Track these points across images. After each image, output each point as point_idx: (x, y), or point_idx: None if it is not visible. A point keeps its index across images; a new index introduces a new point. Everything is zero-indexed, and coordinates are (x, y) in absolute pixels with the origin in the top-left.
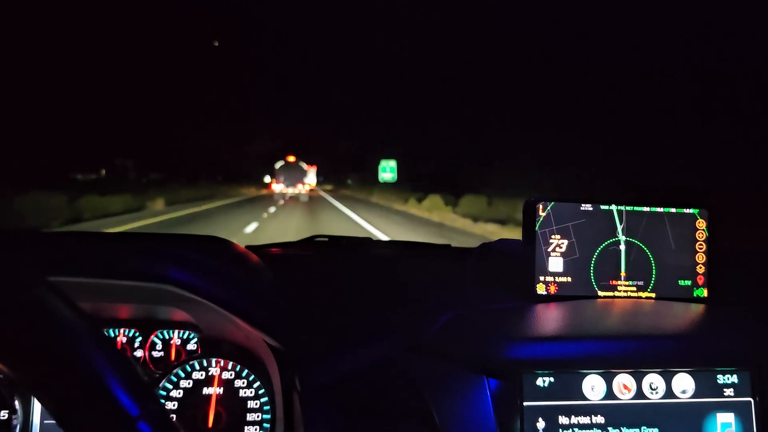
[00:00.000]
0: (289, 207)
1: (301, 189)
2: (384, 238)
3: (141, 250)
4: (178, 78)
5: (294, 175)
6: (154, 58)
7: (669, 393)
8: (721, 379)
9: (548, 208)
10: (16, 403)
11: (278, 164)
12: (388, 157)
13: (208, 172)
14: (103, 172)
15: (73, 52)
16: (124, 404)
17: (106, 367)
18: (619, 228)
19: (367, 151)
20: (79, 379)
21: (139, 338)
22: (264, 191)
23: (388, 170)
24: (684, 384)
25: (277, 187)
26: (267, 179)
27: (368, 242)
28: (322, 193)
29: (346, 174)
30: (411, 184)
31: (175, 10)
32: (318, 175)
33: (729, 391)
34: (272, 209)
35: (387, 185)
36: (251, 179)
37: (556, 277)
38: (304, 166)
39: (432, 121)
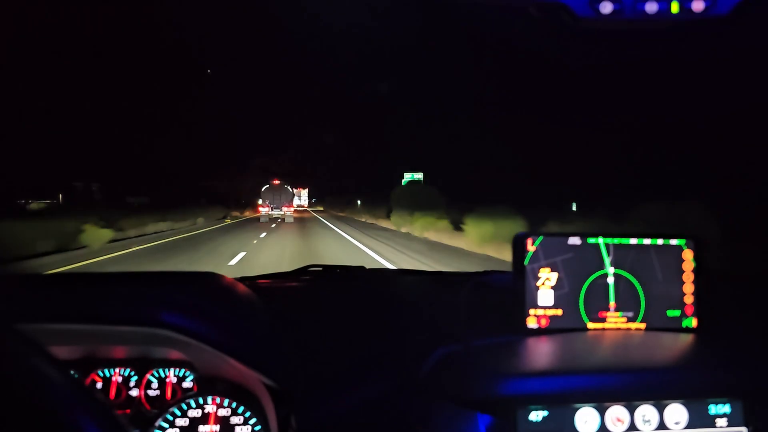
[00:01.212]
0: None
1: (287, 211)
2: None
3: (133, 295)
4: (164, 101)
5: (279, 197)
6: (137, 80)
7: (662, 425)
8: (713, 409)
9: (537, 242)
10: None
11: (264, 188)
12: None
13: (193, 196)
14: (60, 197)
15: (41, 68)
16: None
17: (80, 416)
18: (607, 260)
19: (383, 167)
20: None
21: (135, 377)
22: (234, 214)
23: None
24: (677, 415)
25: (264, 210)
26: (260, 202)
27: (362, 271)
28: (325, 220)
29: (347, 193)
30: (454, 204)
31: (166, 41)
32: (310, 197)
33: (722, 421)
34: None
35: (410, 207)
36: (241, 203)
37: (547, 311)
38: (290, 188)
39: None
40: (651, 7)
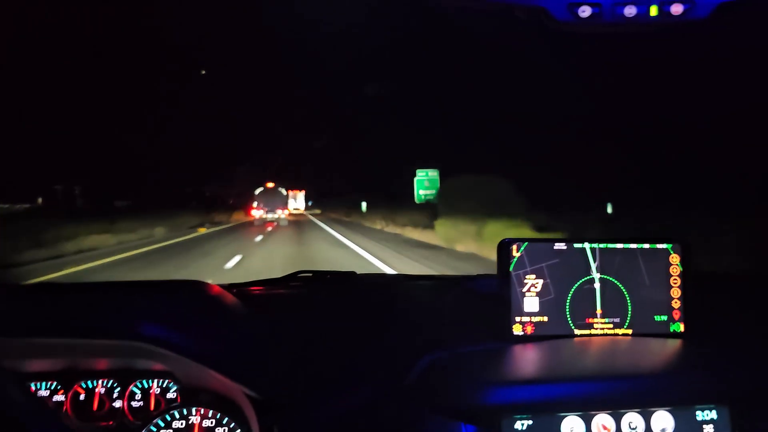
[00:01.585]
0: None
1: (281, 214)
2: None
3: (112, 307)
4: (156, 102)
5: (273, 200)
6: (127, 80)
7: None
8: (700, 415)
9: (522, 248)
10: None
11: (258, 190)
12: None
13: (182, 198)
14: (40, 200)
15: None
16: None
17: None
18: (593, 266)
19: (384, 167)
20: None
21: (118, 389)
22: (218, 219)
23: (427, 184)
24: (663, 422)
25: (257, 213)
26: (255, 205)
27: (352, 276)
28: (330, 228)
29: (346, 195)
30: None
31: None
32: (306, 199)
33: (709, 428)
34: None
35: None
36: (228, 205)
37: (533, 317)
38: (284, 191)
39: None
40: (630, 11)
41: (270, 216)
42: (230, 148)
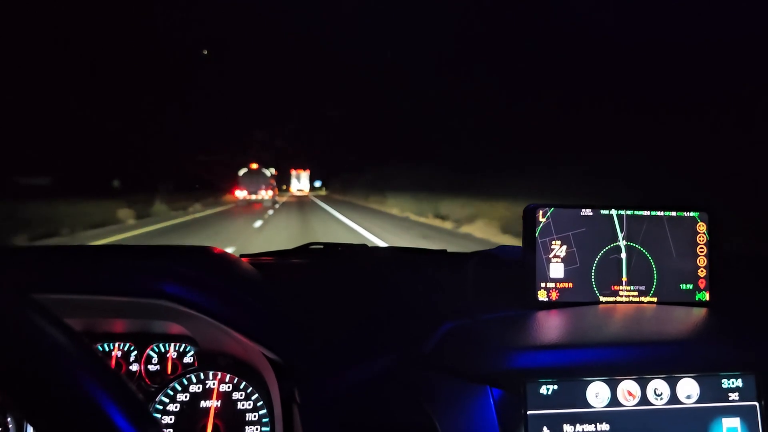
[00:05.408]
0: None
1: (264, 195)
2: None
3: (135, 266)
4: (146, 70)
5: (257, 181)
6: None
7: (674, 398)
8: (725, 383)
9: (548, 214)
10: (9, 420)
11: (241, 171)
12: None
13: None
14: None
15: None
16: (121, 427)
17: (98, 389)
18: (620, 233)
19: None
20: (69, 403)
21: (135, 352)
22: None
23: None
24: (688, 389)
25: (240, 194)
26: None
27: (364, 249)
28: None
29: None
30: None
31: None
32: (312, 179)
33: (734, 396)
34: None
35: None
36: (220, 189)
37: (558, 284)
38: (267, 172)
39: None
40: None
41: (253, 197)
42: (235, 125)
